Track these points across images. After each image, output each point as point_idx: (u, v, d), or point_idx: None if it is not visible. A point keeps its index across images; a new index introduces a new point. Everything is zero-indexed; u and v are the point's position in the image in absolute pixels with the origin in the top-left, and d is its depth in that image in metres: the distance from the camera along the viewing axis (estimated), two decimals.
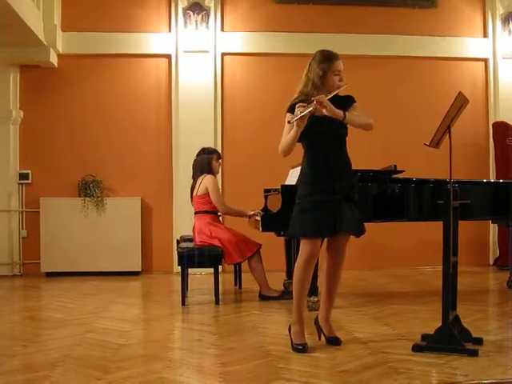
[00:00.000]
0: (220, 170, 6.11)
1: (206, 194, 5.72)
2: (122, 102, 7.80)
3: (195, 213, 5.87)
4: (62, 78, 7.71)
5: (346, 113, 3.66)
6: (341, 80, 3.74)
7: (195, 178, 5.89)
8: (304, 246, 3.72)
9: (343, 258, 3.89)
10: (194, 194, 5.84)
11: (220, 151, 7.58)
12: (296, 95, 3.80)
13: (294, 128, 3.61)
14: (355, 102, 3.82)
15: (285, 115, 3.78)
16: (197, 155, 5.99)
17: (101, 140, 7.73)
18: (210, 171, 5.80)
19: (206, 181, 5.74)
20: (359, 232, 3.82)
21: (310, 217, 3.67)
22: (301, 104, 3.58)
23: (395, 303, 5.36)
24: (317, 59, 3.76)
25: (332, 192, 3.69)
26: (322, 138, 3.74)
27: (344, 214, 3.70)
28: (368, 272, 7.56)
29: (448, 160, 3.76)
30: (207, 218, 5.74)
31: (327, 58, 3.74)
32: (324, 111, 3.57)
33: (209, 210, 5.76)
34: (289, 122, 3.63)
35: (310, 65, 3.79)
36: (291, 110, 3.71)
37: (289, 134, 3.68)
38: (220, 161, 5.97)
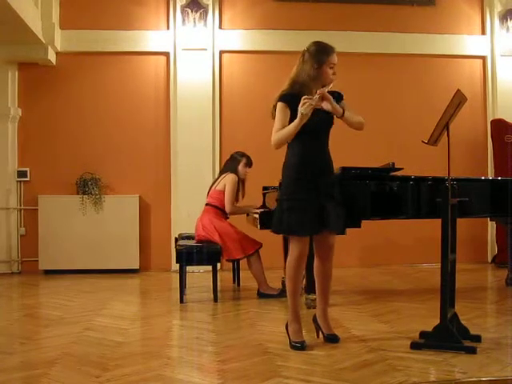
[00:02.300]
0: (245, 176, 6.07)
1: (223, 191, 5.80)
2: (121, 99, 7.79)
3: (206, 204, 5.93)
4: (60, 75, 7.70)
5: (345, 110, 3.67)
6: (334, 73, 3.73)
7: (221, 174, 6.03)
8: (294, 245, 3.73)
9: (332, 254, 3.88)
10: (214, 187, 5.93)
11: (218, 149, 7.62)
12: (287, 85, 3.77)
13: (297, 121, 3.58)
14: (343, 98, 3.83)
15: (275, 105, 3.75)
16: (232, 154, 6.11)
17: (99, 138, 7.73)
18: (235, 172, 5.87)
19: (227, 178, 5.84)
20: (341, 231, 3.85)
21: (297, 215, 3.66)
22: (306, 97, 3.56)
23: (393, 301, 5.37)
24: (312, 50, 3.73)
25: (318, 190, 3.70)
26: (312, 133, 3.71)
27: (328, 212, 3.71)
28: (366, 269, 7.56)
29: (446, 157, 3.76)
30: (214, 212, 5.80)
31: (324, 50, 3.72)
32: (324, 105, 3.58)
33: (218, 206, 5.82)
34: (302, 114, 3.54)
35: (303, 55, 3.76)
36: (284, 99, 3.70)
37: (287, 126, 3.65)
38: (247, 169, 5.98)
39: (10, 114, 7.54)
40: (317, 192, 3.69)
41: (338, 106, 3.64)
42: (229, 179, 5.82)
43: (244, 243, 5.65)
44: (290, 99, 3.68)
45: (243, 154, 6.01)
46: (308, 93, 3.69)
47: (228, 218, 5.93)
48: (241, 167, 5.92)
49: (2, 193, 7.54)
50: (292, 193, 3.72)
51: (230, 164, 5.98)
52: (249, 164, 5.98)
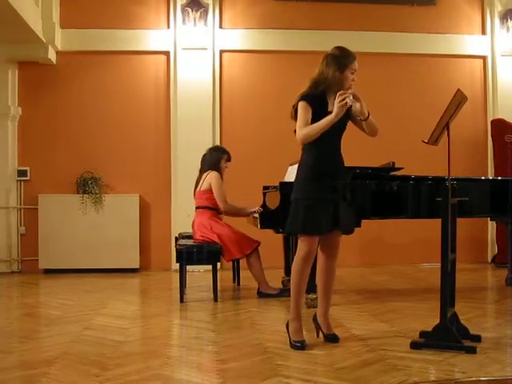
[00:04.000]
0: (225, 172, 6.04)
1: (209, 190, 5.69)
2: (121, 98, 7.79)
3: (196, 207, 5.85)
4: (60, 74, 7.70)
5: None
6: (353, 79, 3.78)
7: (201, 172, 5.89)
8: (302, 244, 3.73)
9: (337, 253, 3.92)
10: (198, 188, 5.83)
11: None
12: (308, 86, 3.79)
13: (332, 116, 3.60)
14: None
15: (294, 105, 3.77)
16: (209, 150, 5.98)
17: (99, 137, 7.73)
18: (217, 169, 5.79)
19: (210, 177, 5.73)
20: (351, 231, 3.90)
21: (313, 214, 3.68)
22: (343, 91, 3.60)
23: (393, 300, 5.37)
24: (336, 54, 3.77)
25: (333, 190, 3.73)
26: (331, 134, 3.74)
27: (340, 213, 3.75)
28: (366, 269, 7.57)
29: (446, 157, 3.76)
30: (208, 214, 5.72)
31: (348, 56, 3.77)
32: (357, 106, 3.64)
33: (210, 206, 5.73)
34: (349, 106, 3.58)
35: (326, 59, 3.78)
36: (306, 98, 3.72)
37: (320, 121, 3.64)
38: (228, 163, 5.92)
39: (10, 112, 7.54)
40: (333, 192, 3.73)
41: (365, 108, 3.68)
42: (212, 178, 5.69)
43: (242, 243, 5.60)
44: (312, 99, 3.72)
45: (223, 150, 5.93)
46: (330, 95, 3.73)
47: (221, 214, 5.89)
48: (223, 163, 5.84)
49: (2, 192, 7.54)
50: (309, 192, 3.73)
51: (210, 160, 5.83)
52: (229, 159, 5.91)
